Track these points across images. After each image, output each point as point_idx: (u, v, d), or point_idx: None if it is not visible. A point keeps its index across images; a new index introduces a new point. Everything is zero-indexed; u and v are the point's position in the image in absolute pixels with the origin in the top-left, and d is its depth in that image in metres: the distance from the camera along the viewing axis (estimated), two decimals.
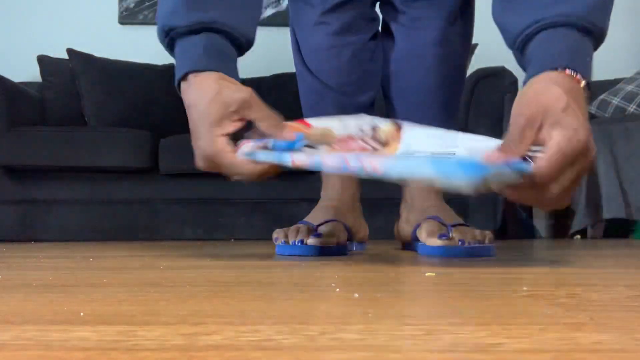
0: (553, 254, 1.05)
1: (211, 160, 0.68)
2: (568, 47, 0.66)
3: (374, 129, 0.72)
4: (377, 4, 1.10)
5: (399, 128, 0.72)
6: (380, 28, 1.11)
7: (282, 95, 2.42)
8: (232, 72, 0.73)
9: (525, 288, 0.44)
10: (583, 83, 0.64)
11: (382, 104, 1.13)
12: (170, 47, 0.75)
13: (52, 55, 2.47)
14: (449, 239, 0.88)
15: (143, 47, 2.74)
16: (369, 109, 1.09)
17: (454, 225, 0.91)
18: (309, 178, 1.93)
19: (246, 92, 0.69)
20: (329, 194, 1.04)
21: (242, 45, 0.76)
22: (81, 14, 2.77)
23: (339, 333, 0.27)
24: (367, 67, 1.06)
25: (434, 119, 1.04)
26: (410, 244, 1.02)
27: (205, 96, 0.68)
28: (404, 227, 1.04)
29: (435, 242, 0.89)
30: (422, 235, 0.94)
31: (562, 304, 0.36)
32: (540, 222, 2.72)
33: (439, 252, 0.88)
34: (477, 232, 0.91)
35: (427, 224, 0.94)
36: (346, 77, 1.05)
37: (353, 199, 1.05)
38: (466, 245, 0.86)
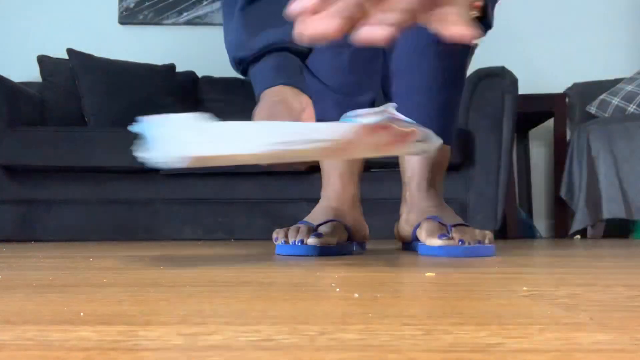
0: (553, 253, 1.05)
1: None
2: None
3: None
4: None
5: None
6: None
7: None
8: (298, 80, 0.84)
9: (525, 288, 0.44)
10: None
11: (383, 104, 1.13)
12: (243, 72, 0.86)
13: (52, 55, 2.47)
14: (449, 238, 0.88)
15: (143, 47, 2.74)
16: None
17: (454, 225, 0.91)
18: (309, 178, 1.93)
19: (304, 99, 0.82)
20: (329, 194, 1.04)
21: (304, 51, 0.86)
22: (81, 14, 2.78)
23: (339, 333, 0.27)
24: (368, 66, 1.06)
25: (433, 119, 1.04)
26: (410, 244, 1.02)
27: (274, 102, 0.80)
28: (404, 227, 1.04)
29: (435, 242, 0.89)
30: (422, 235, 0.94)
31: (562, 304, 0.36)
32: (540, 222, 2.72)
33: (439, 252, 0.88)
34: (477, 232, 0.91)
35: (427, 223, 0.94)
36: (346, 77, 1.05)
37: (353, 199, 1.05)
38: (466, 245, 0.86)
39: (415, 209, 1.01)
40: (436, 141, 0.69)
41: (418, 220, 0.98)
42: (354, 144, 0.64)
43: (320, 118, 1.09)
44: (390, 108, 0.73)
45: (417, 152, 0.69)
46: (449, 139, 1.06)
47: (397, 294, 0.43)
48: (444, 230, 0.91)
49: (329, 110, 1.07)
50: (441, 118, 1.05)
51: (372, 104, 1.09)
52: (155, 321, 0.30)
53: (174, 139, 0.59)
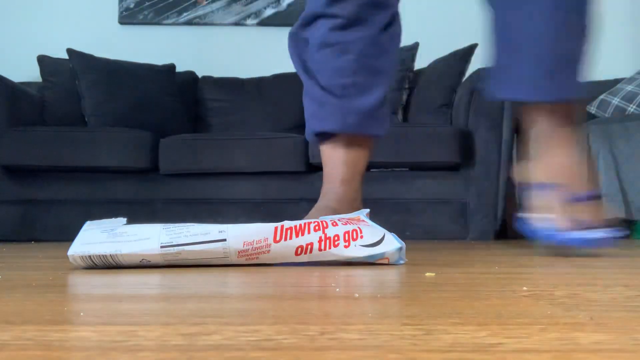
0: (553, 253, 1.05)
1: None
2: None
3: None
4: None
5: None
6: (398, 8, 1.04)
7: (282, 95, 2.42)
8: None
9: (525, 288, 0.44)
10: None
11: (391, 105, 1.12)
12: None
13: (52, 55, 2.47)
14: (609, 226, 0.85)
15: (143, 47, 2.74)
16: (374, 111, 1.04)
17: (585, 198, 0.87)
18: (310, 178, 1.93)
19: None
20: (330, 194, 1.03)
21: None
22: (81, 14, 2.78)
23: (339, 333, 0.27)
24: (375, 64, 1.02)
25: (551, 73, 0.91)
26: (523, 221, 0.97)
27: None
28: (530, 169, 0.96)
29: (595, 233, 0.86)
30: (583, 221, 0.89)
31: (562, 304, 0.36)
32: None
33: (591, 244, 0.86)
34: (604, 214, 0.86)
35: (588, 208, 0.89)
36: (349, 78, 1.01)
37: (354, 199, 1.04)
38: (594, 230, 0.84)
39: (541, 161, 0.94)
40: (396, 251, 0.68)
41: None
42: (266, 247, 0.65)
43: (319, 129, 1.05)
44: (362, 215, 0.73)
45: (365, 259, 0.67)
46: (575, 93, 0.94)
47: (397, 294, 0.43)
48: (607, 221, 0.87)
49: (328, 118, 1.03)
50: (563, 71, 0.92)
51: (382, 103, 1.04)
52: (155, 321, 0.30)
53: (84, 239, 0.69)
